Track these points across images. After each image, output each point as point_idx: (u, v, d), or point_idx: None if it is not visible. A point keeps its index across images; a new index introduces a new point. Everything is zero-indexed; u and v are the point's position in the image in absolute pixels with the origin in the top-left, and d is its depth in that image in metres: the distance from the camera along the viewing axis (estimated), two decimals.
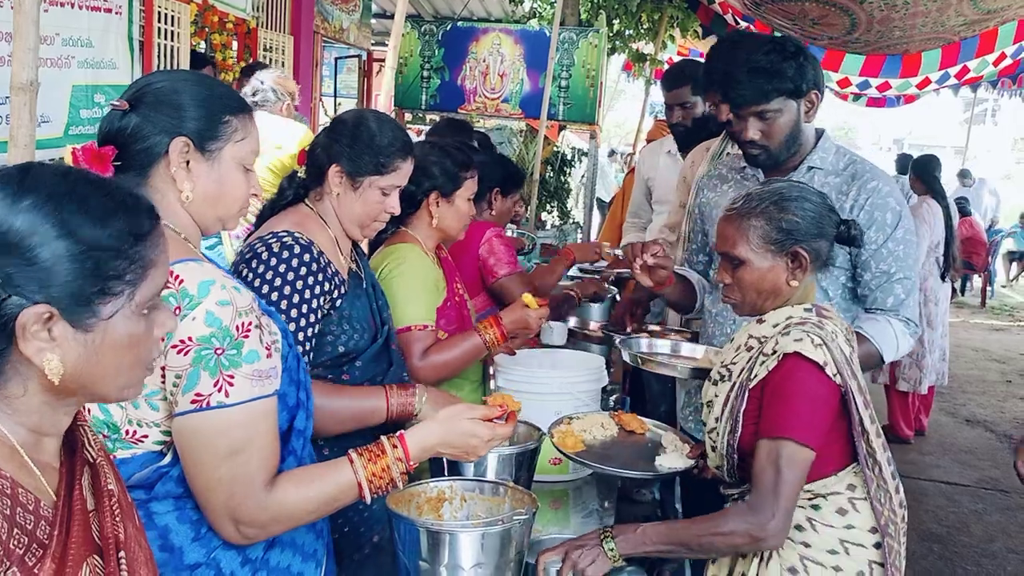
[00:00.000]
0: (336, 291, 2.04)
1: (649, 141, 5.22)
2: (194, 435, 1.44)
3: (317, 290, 1.97)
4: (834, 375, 1.83)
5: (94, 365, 1.05)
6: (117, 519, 1.11)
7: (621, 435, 2.42)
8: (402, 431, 1.65)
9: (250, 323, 1.46)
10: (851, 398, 1.85)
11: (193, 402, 1.42)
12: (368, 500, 1.57)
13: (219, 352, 1.42)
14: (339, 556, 1.99)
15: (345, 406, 2.04)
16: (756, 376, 1.90)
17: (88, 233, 1.02)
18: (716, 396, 2.02)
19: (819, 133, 2.52)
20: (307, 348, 1.98)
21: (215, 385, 1.42)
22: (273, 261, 1.95)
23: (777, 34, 2.46)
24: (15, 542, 0.94)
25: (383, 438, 1.62)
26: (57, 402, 1.06)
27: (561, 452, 2.24)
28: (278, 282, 1.93)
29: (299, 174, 2.21)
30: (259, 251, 1.97)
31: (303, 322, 1.95)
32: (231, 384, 1.43)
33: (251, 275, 1.95)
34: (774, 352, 1.88)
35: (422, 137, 6.74)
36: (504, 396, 1.95)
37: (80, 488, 1.09)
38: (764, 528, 1.77)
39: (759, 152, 2.42)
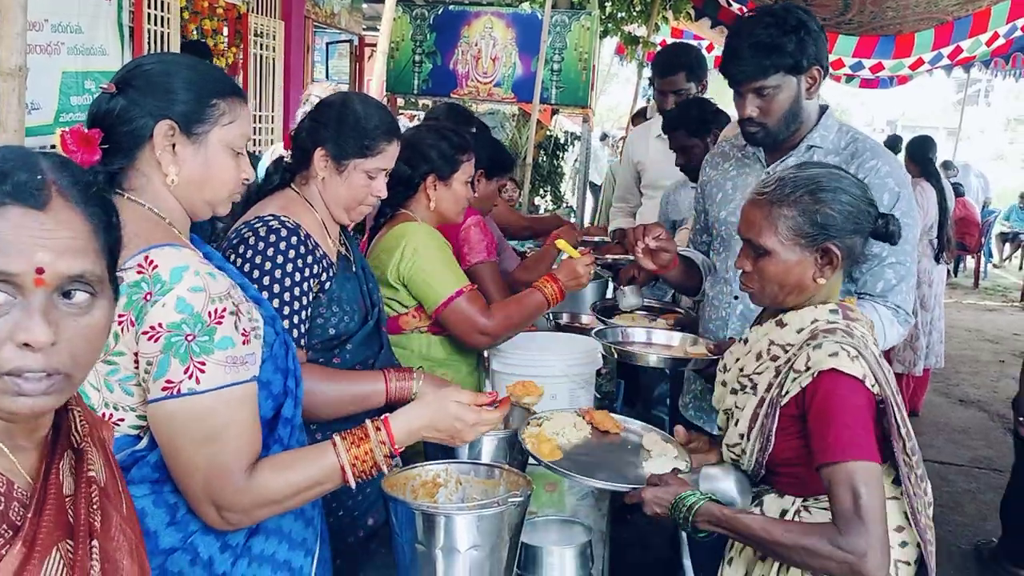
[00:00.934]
0: (325, 273, 2.03)
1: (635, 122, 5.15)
2: (169, 422, 1.43)
3: (306, 272, 1.97)
4: (872, 386, 1.75)
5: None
6: (94, 507, 1.09)
7: (595, 436, 2.23)
8: (386, 415, 1.65)
9: (224, 309, 1.45)
10: (889, 408, 1.77)
11: (164, 389, 1.42)
12: (352, 485, 1.57)
13: (190, 339, 1.41)
14: (334, 540, 1.99)
15: (343, 390, 2.04)
16: (788, 393, 1.80)
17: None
18: (737, 407, 1.92)
19: (822, 110, 2.44)
20: (302, 331, 1.98)
21: (185, 372, 1.41)
22: (260, 245, 1.94)
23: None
24: None
25: (367, 421, 1.62)
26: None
27: (539, 462, 2.01)
28: (267, 266, 1.93)
29: (285, 158, 2.20)
30: (246, 235, 1.97)
31: (295, 305, 1.95)
32: (202, 371, 1.42)
33: (239, 260, 1.94)
34: (807, 369, 1.76)
35: (415, 123, 6.70)
36: (527, 384, 1.94)
37: (57, 471, 1.07)
38: (864, 563, 1.63)
39: (757, 130, 2.35)
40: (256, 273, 1.92)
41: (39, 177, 0.97)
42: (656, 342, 2.67)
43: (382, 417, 1.63)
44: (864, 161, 2.32)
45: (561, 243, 2.64)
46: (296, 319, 1.95)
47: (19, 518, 0.98)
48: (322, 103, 2.19)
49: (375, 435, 1.59)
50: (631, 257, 2.45)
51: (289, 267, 1.94)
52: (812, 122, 2.40)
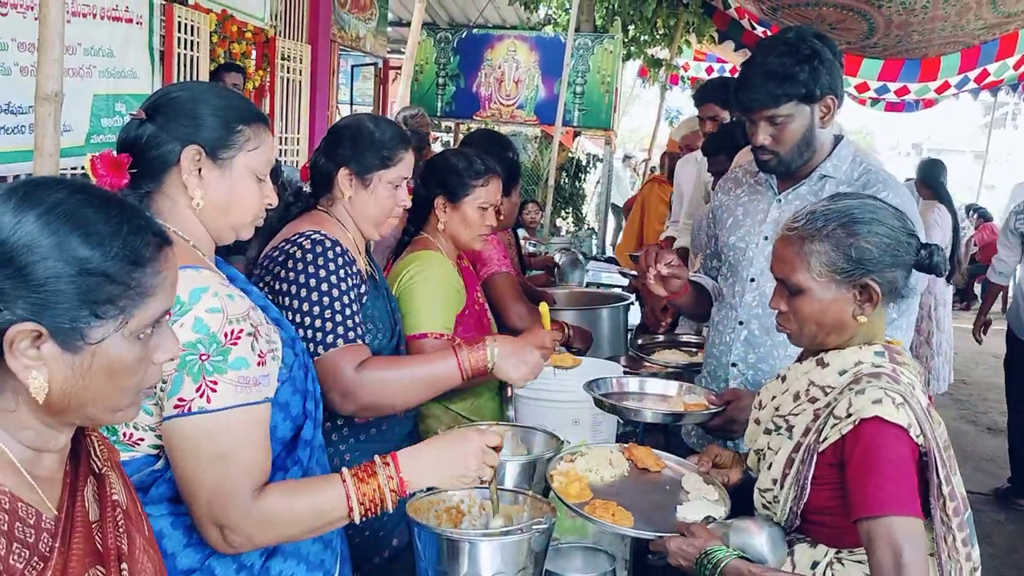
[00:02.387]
0: (363, 286, 2.06)
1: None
2: (180, 439, 1.44)
3: (349, 282, 2.00)
4: (917, 436, 1.64)
5: (82, 388, 1.02)
6: (120, 530, 1.10)
7: (633, 473, 2.14)
8: (395, 452, 1.63)
9: (241, 330, 1.46)
10: (932, 461, 1.65)
11: (176, 407, 1.43)
12: (356, 520, 1.55)
13: (204, 358, 1.43)
14: (359, 560, 2.00)
15: (412, 374, 2.00)
16: (826, 440, 1.69)
17: (83, 254, 1.00)
18: (770, 449, 1.82)
19: (837, 140, 2.42)
20: (359, 332, 1.98)
21: (197, 391, 1.43)
22: (309, 257, 1.97)
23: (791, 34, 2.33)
24: (15, 556, 0.94)
25: (376, 457, 1.61)
26: (49, 419, 1.05)
27: (564, 503, 1.92)
28: (317, 278, 1.95)
29: (304, 189, 2.22)
30: (291, 251, 1.99)
31: (354, 307, 1.97)
32: (214, 390, 1.43)
33: (289, 275, 1.96)
34: (849, 415, 1.65)
35: (438, 145, 6.72)
36: (564, 356, 1.92)
37: (83, 499, 1.08)
38: None
39: (769, 157, 2.34)
40: (304, 287, 1.94)
41: None
42: (650, 392, 2.49)
43: (391, 454, 1.62)
44: (876, 193, 2.23)
45: (543, 308, 2.53)
46: (352, 321, 1.97)
47: (48, 549, 0.99)
48: (333, 129, 2.23)
49: (383, 470, 1.58)
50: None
51: (342, 273, 1.98)
52: (826, 151, 2.39)
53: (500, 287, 2.96)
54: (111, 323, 1.02)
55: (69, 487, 1.08)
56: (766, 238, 2.41)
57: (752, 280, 2.43)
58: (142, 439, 1.48)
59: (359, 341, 1.97)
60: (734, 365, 2.47)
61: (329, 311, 1.94)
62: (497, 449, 1.70)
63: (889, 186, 2.32)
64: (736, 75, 2.37)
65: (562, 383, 2.54)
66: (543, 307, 2.46)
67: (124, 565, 1.08)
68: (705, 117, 4.22)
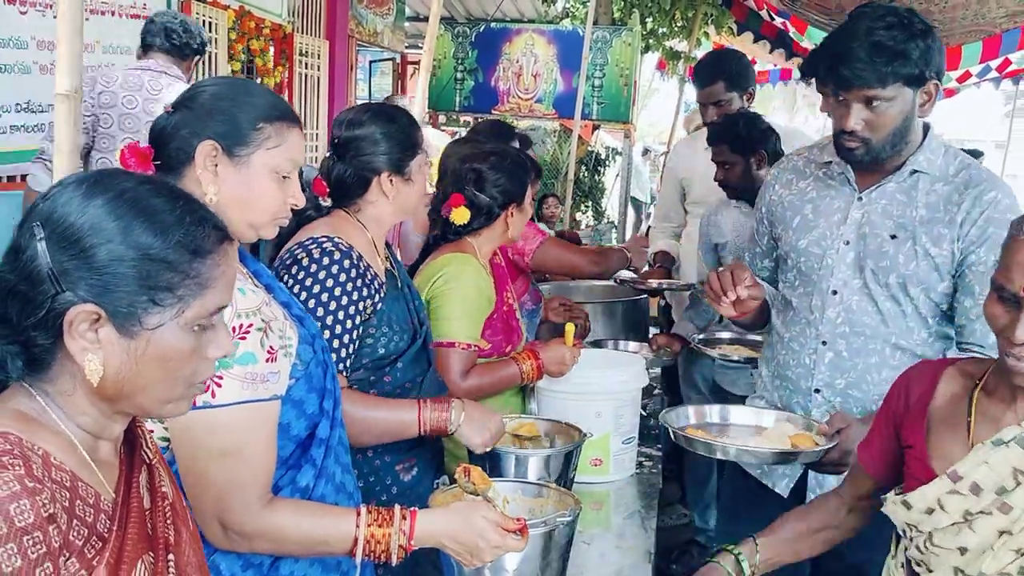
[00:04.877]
0: (377, 295, 2.04)
1: None
2: (184, 433, 1.44)
3: (355, 296, 1.97)
4: None
5: (135, 374, 1.04)
6: (168, 521, 1.12)
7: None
8: (416, 508, 1.61)
9: (251, 324, 1.46)
10: None
11: None
12: (357, 560, 1.54)
13: None
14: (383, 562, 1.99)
15: (377, 418, 2.01)
16: None
17: (145, 240, 1.02)
18: (995, 548, 1.42)
19: (926, 129, 2.12)
20: (345, 354, 1.97)
21: None
22: (313, 267, 1.95)
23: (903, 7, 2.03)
24: (75, 533, 0.96)
25: (396, 507, 1.59)
26: (103, 405, 1.07)
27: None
28: (316, 289, 1.93)
29: (322, 202, 2.18)
30: (299, 256, 1.98)
31: (340, 329, 1.95)
32: (219, 385, 1.42)
33: (291, 280, 1.95)
34: None
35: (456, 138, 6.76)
36: (475, 471, 1.80)
37: (137, 486, 1.10)
38: None
39: (857, 145, 2.01)
40: (304, 295, 1.92)
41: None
42: (737, 422, 2.19)
43: (411, 509, 1.61)
44: (982, 192, 2.01)
45: (569, 327, 2.57)
46: (339, 344, 1.95)
47: (106, 530, 1.01)
48: (356, 139, 2.12)
49: (398, 523, 1.57)
50: (675, 283, 2.25)
51: (338, 291, 1.95)
52: (917, 143, 2.08)
53: (554, 254, 2.98)
54: (168, 311, 1.04)
55: (124, 473, 1.10)
56: (847, 243, 2.11)
57: (834, 293, 2.12)
58: (151, 431, 1.48)
59: (341, 370, 1.95)
60: (818, 391, 2.16)
61: (321, 326, 1.91)
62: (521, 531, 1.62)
63: (995, 184, 2.04)
64: (829, 47, 2.04)
65: (587, 377, 2.54)
66: (569, 327, 2.55)
67: (171, 556, 1.10)
68: (708, 102, 3.77)
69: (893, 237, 2.05)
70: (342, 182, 2.11)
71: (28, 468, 0.93)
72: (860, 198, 2.11)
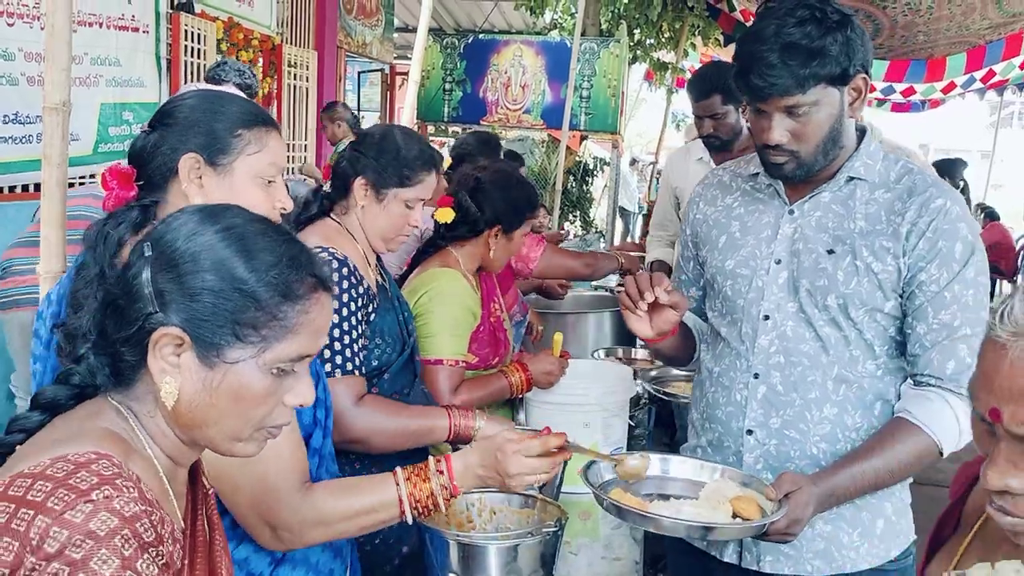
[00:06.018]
0: (370, 305, 2.05)
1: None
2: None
3: (352, 307, 1.98)
4: None
5: (208, 405, 1.04)
6: (219, 551, 1.13)
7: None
8: (449, 453, 1.63)
9: None
10: None
11: None
12: (409, 519, 1.56)
13: None
14: (369, 569, 1.99)
15: (405, 425, 2.04)
16: None
17: (239, 275, 1.04)
18: None
19: (862, 131, 1.87)
20: (357, 363, 1.97)
21: None
22: None
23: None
24: (169, 559, 0.97)
25: (430, 458, 1.61)
26: (178, 431, 1.07)
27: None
28: None
29: (324, 188, 2.22)
30: None
31: (353, 334, 1.96)
32: None
33: None
34: None
35: (445, 150, 6.76)
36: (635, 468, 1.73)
37: (202, 518, 1.12)
38: None
39: (786, 159, 1.77)
40: None
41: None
42: (676, 476, 1.86)
43: (445, 454, 1.62)
44: (928, 200, 1.75)
45: (557, 337, 2.59)
46: (351, 351, 1.96)
47: (179, 560, 1.02)
48: (364, 133, 2.22)
49: (436, 478, 1.57)
50: None
51: (346, 296, 1.96)
52: (852, 147, 1.83)
53: (556, 260, 3.16)
54: (249, 348, 1.04)
55: (190, 502, 1.12)
56: (779, 262, 1.84)
57: (766, 318, 1.83)
58: None
59: (356, 373, 1.97)
60: (750, 432, 1.85)
61: (329, 338, 1.93)
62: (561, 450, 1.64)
63: (943, 191, 1.78)
64: (738, 54, 1.77)
65: (575, 387, 2.55)
66: (557, 336, 2.58)
67: None
68: (704, 115, 3.55)
69: (830, 252, 1.79)
70: (336, 171, 2.17)
71: (140, 491, 0.95)
72: (791, 211, 1.85)
